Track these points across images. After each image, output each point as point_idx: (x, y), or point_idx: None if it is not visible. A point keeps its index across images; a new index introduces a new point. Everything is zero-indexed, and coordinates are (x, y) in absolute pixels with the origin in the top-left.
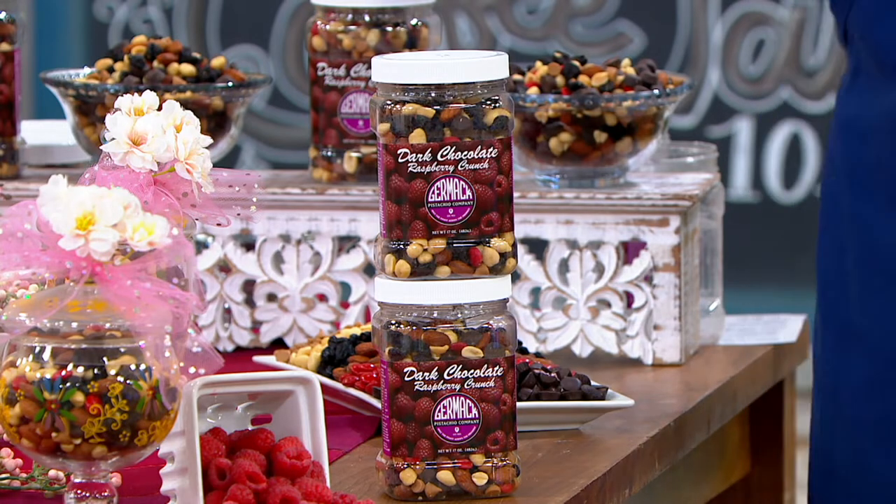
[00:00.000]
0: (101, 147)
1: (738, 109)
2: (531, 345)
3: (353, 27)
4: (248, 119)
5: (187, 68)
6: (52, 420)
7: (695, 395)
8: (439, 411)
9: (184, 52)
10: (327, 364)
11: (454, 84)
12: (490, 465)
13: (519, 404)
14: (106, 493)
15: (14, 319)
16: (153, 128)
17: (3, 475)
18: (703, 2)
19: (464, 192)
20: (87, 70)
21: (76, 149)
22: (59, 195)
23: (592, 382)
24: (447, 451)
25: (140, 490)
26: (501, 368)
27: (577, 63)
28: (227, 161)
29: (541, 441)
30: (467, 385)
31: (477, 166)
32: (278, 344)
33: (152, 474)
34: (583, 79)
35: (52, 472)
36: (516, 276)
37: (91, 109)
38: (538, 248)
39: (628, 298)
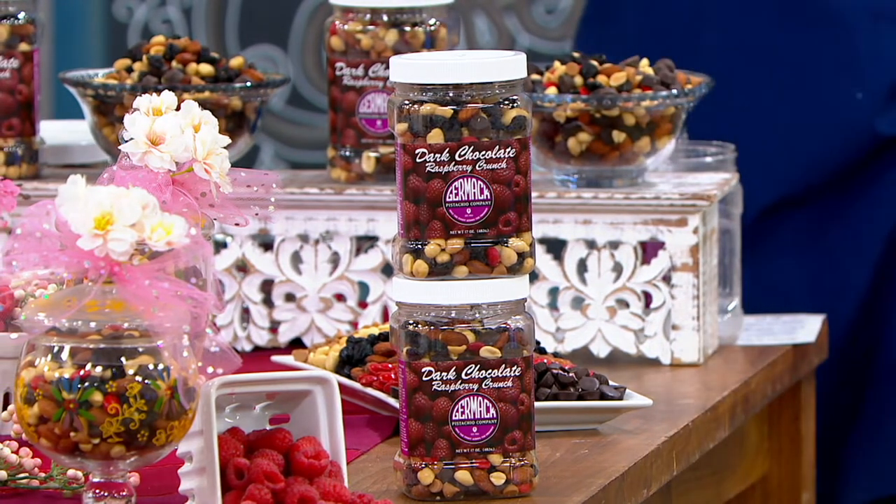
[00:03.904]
0: (119, 147)
1: None
2: (549, 345)
3: (371, 27)
4: (266, 119)
5: (206, 68)
6: (70, 420)
7: (713, 395)
8: (457, 411)
9: (202, 52)
10: (345, 364)
11: (472, 84)
12: (508, 464)
13: (537, 404)
14: (124, 493)
15: (33, 319)
16: (171, 128)
17: (22, 474)
18: None
19: (482, 191)
20: (105, 70)
21: (95, 149)
22: (78, 195)
23: (610, 382)
24: (465, 450)
25: (158, 490)
26: (519, 368)
27: (595, 63)
28: (246, 161)
29: (559, 441)
30: (485, 385)
31: (495, 166)
32: (296, 344)
33: (170, 474)
34: (601, 79)
35: (70, 472)
36: (534, 276)
37: (110, 109)
38: (556, 247)
39: (646, 298)
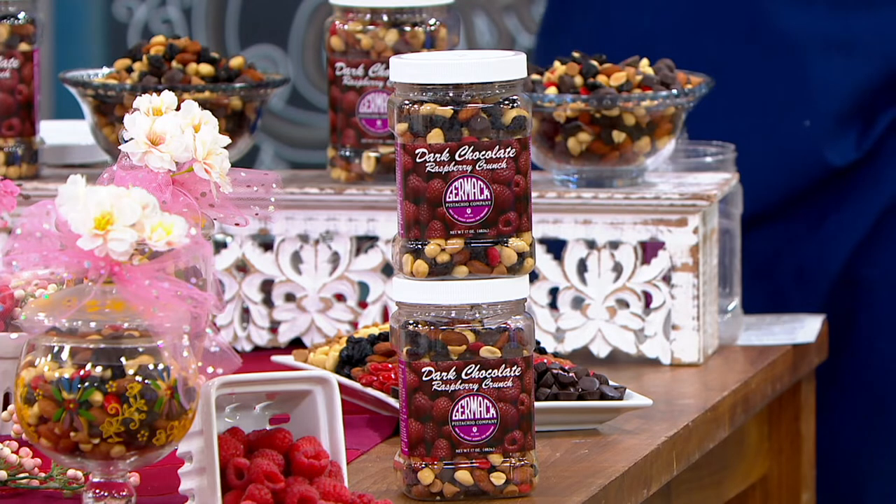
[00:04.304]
0: (119, 147)
1: None
2: (549, 345)
3: (371, 27)
4: (266, 119)
5: (206, 68)
6: (70, 420)
7: (713, 395)
8: (457, 411)
9: (202, 52)
10: (345, 364)
11: (472, 84)
12: (508, 464)
13: (537, 404)
14: (124, 493)
15: (33, 319)
16: (171, 128)
17: (22, 474)
18: None
19: (482, 191)
20: (105, 70)
21: (95, 149)
22: (78, 195)
23: (610, 382)
24: (465, 450)
25: (158, 489)
26: (519, 368)
27: (595, 63)
28: (247, 161)
29: (559, 441)
30: (485, 385)
31: (495, 166)
32: (296, 344)
33: (170, 474)
34: (601, 78)
35: (70, 472)
36: (534, 276)
37: (110, 109)
38: (556, 247)
39: (646, 298)
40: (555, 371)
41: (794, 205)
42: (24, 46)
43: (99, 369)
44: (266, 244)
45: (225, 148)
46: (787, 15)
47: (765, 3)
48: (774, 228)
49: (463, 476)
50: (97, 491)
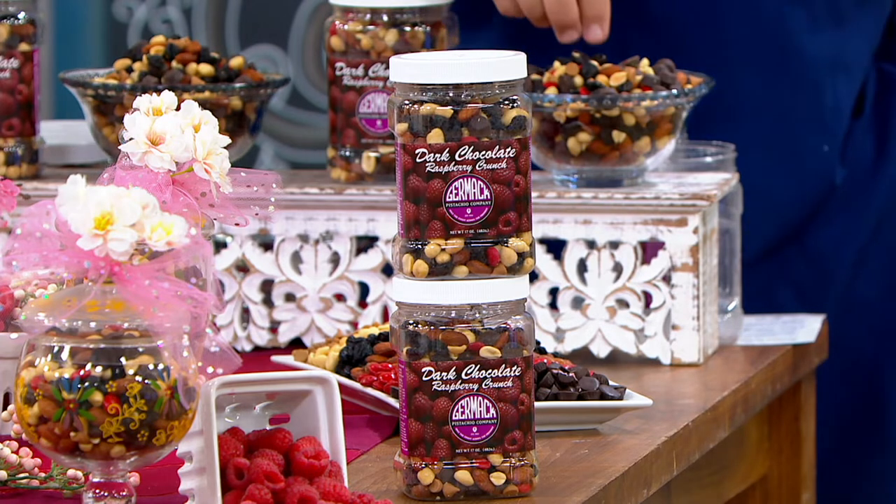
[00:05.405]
0: (119, 147)
1: None
2: (549, 345)
3: (371, 27)
4: (267, 119)
5: (206, 68)
6: (70, 420)
7: (713, 395)
8: (457, 411)
9: (202, 52)
10: (345, 364)
11: (472, 84)
12: (508, 464)
13: (537, 404)
14: (124, 493)
15: (33, 319)
16: (172, 128)
17: (22, 474)
18: None
19: (482, 191)
20: (105, 70)
21: (95, 149)
22: (78, 195)
23: (610, 382)
24: (465, 450)
25: (158, 489)
26: (519, 368)
27: (595, 63)
28: (247, 161)
29: (559, 441)
30: (485, 385)
31: (495, 166)
32: (296, 344)
33: (170, 474)
34: (601, 78)
35: (70, 472)
36: (534, 276)
37: (110, 109)
38: (556, 248)
39: (646, 298)
40: (555, 371)
41: (802, 229)
42: (24, 46)
43: (99, 369)
44: (266, 244)
45: (225, 148)
46: (803, 37)
47: (785, 27)
48: (784, 254)
49: (463, 476)
50: (97, 491)
